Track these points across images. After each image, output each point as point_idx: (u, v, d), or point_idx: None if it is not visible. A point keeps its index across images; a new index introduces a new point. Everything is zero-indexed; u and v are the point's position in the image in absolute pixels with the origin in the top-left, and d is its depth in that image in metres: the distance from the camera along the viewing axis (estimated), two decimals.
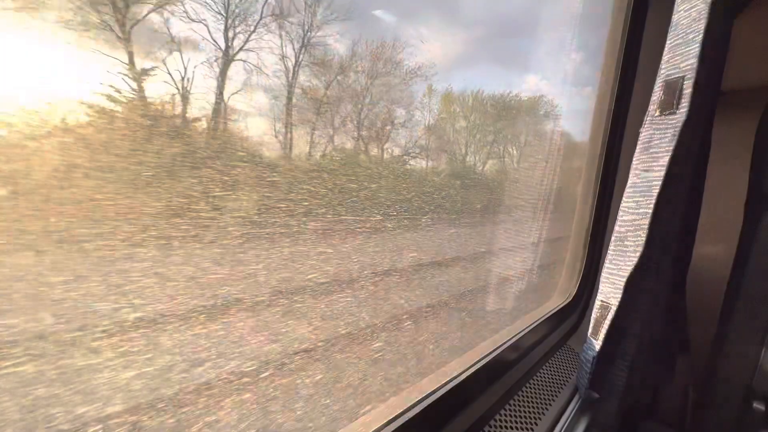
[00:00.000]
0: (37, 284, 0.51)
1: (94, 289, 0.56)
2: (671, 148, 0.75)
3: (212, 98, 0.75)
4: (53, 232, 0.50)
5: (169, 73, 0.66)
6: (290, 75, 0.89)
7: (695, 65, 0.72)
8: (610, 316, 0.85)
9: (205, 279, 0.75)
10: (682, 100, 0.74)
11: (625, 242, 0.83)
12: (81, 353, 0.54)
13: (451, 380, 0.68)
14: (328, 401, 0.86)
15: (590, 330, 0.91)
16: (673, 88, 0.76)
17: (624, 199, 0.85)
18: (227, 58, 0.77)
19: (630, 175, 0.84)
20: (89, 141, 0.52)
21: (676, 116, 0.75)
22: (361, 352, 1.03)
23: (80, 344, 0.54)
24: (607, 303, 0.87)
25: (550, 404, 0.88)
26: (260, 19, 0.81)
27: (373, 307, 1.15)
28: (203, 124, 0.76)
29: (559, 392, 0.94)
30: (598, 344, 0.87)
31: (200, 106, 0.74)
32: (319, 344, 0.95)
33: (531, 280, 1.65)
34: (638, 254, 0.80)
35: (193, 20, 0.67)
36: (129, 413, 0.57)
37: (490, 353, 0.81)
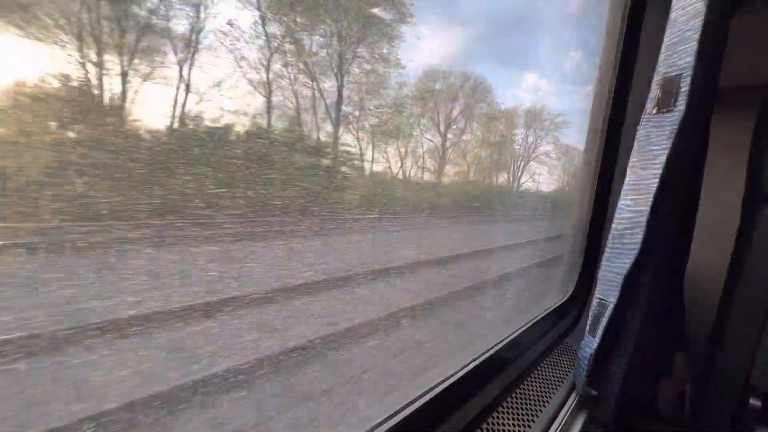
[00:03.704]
0: None
1: None
2: (669, 145, 0.75)
3: None
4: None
5: None
6: None
7: (693, 63, 0.72)
8: (607, 314, 0.85)
9: None
10: (680, 98, 0.74)
11: (623, 240, 0.84)
12: None
13: (450, 377, 0.68)
14: None
15: (588, 327, 0.91)
16: (670, 86, 0.76)
17: (622, 196, 0.85)
18: None
19: (628, 173, 0.84)
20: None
21: (673, 114, 0.75)
22: None
23: None
24: (605, 300, 0.87)
25: (548, 401, 0.88)
26: None
27: None
28: None
29: (557, 389, 0.95)
30: (595, 341, 0.87)
31: None
32: None
33: None
34: (636, 252, 0.80)
35: None
36: None
37: (489, 350, 0.81)
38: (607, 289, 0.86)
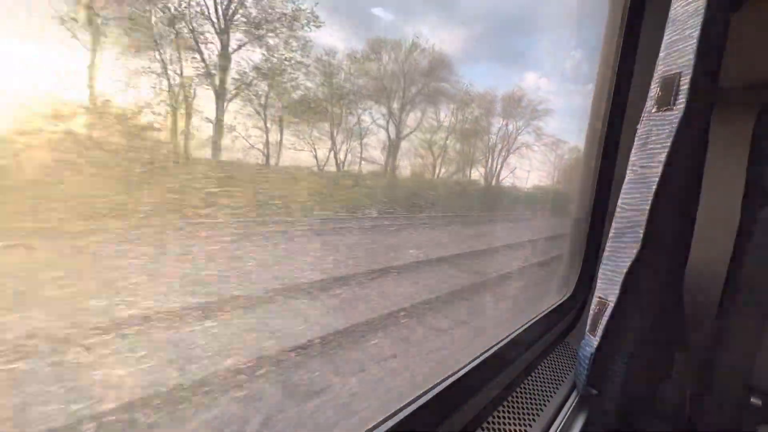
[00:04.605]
0: None
1: None
2: (668, 144, 0.75)
3: None
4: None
5: None
6: None
7: (692, 61, 0.72)
8: (607, 313, 0.85)
9: None
10: (680, 96, 0.74)
11: (623, 238, 0.84)
12: None
13: (450, 375, 0.68)
14: None
15: (588, 326, 0.91)
16: (670, 84, 0.76)
17: (622, 195, 0.85)
18: None
19: (627, 172, 0.84)
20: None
21: (673, 112, 0.75)
22: None
23: None
24: (604, 299, 0.87)
25: (549, 400, 0.88)
26: None
27: None
28: None
29: (558, 388, 0.95)
30: (595, 341, 0.87)
31: None
32: None
33: None
34: (636, 250, 0.80)
35: None
36: None
37: (489, 349, 0.81)
38: (607, 288, 0.86)
